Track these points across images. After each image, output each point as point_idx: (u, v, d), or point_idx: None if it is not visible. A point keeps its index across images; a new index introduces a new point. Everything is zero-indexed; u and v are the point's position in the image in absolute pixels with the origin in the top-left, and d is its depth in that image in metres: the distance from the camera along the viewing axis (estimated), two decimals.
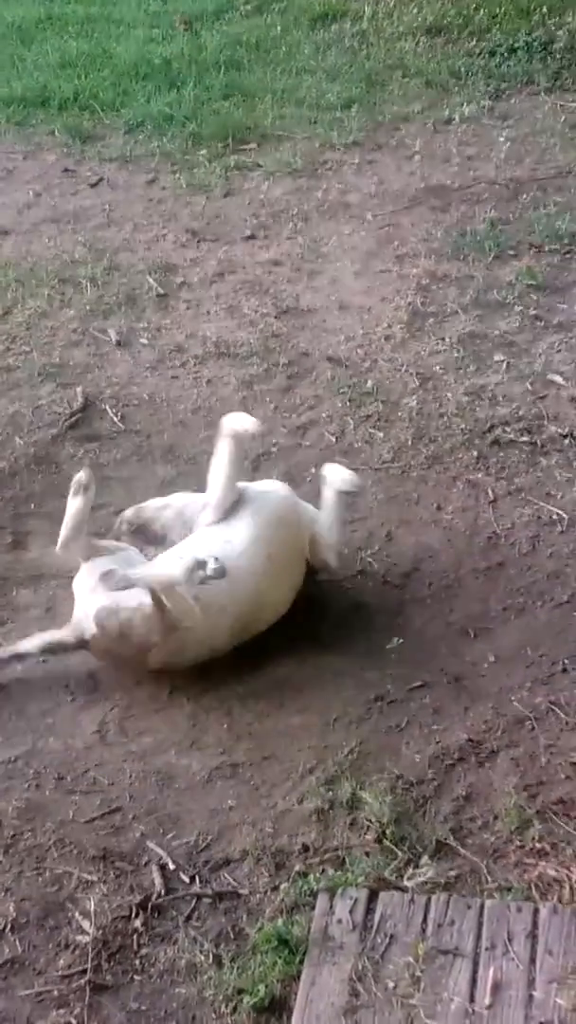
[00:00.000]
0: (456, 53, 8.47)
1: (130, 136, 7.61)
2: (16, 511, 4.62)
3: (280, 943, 3.04)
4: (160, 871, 3.29)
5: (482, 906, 3.08)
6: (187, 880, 3.27)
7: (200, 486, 4.18)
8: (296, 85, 8.09)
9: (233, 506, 4.06)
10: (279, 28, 8.95)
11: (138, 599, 3.79)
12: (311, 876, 3.22)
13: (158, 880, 3.26)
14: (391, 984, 2.92)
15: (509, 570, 4.29)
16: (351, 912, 3.09)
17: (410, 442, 4.91)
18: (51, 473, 4.83)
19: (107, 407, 5.21)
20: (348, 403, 5.15)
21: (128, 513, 4.24)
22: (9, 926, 3.17)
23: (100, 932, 3.13)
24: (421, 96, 7.94)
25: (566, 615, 4.10)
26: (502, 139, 7.27)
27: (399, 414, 5.07)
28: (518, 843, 3.31)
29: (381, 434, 4.97)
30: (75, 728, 3.77)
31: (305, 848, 3.32)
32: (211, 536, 3.99)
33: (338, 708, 3.77)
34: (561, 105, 7.73)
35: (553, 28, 8.62)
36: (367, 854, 3.28)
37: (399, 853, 3.28)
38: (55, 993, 3.02)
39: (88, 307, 5.89)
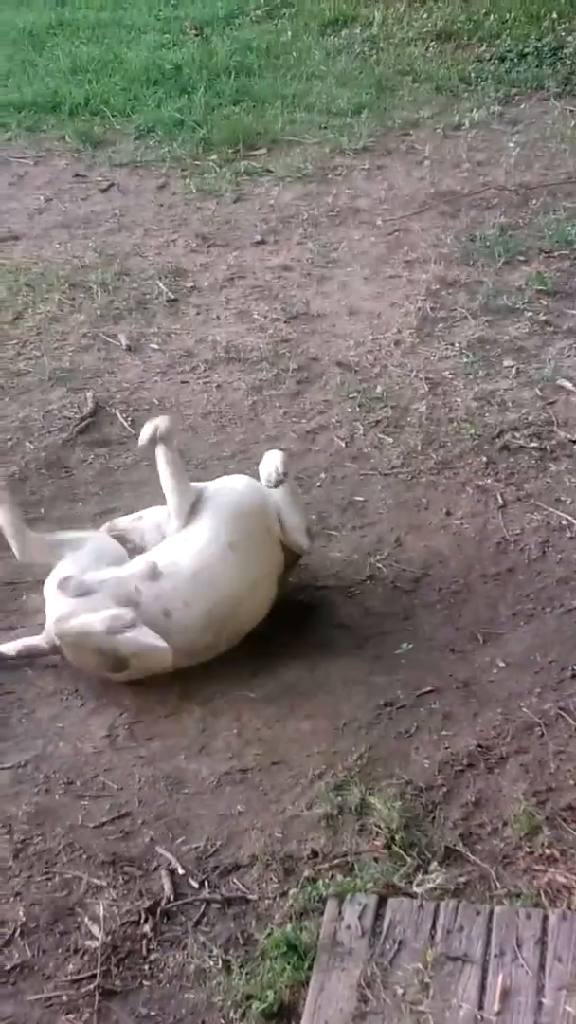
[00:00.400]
0: (466, 58, 8.49)
1: (141, 141, 7.64)
2: (27, 515, 4.59)
3: (289, 949, 3.04)
4: (169, 876, 3.29)
5: (491, 912, 3.07)
6: (196, 885, 3.27)
7: None
8: (306, 90, 8.11)
9: (194, 506, 4.08)
10: (289, 34, 8.98)
11: (96, 606, 3.82)
12: (320, 882, 3.22)
13: (167, 885, 3.26)
14: (400, 990, 2.92)
15: (518, 576, 4.29)
16: (360, 918, 3.08)
17: (419, 447, 4.91)
18: (61, 478, 4.84)
19: (117, 412, 5.22)
20: (358, 408, 5.16)
21: (103, 528, 4.28)
22: (19, 931, 3.17)
23: (109, 937, 3.13)
24: (431, 101, 7.95)
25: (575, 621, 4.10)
26: (512, 144, 7.28)
27: (409, 419, 5.08)
28: (527, 849, 3.30)
29: (391, 439, 4.97)
30: (85, 733, 3.77)
31: (314, 854, 3.32)
32: (171, 541, 4.03)
33: (347, 714, 3.76)
34: (571, 110, 7.74)
35: (563, 34, 8.64)
36: (376, 860, 3.28)
37: (408, 859, 3.27)
38: (64, 998, 3.02)
39: (98, 312, 5.90)
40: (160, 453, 4.10)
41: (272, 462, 4.07)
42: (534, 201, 6.68)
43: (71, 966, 3.10)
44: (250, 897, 3.23)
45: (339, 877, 3.23)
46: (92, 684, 3.93)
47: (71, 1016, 2.99)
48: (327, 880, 3.22)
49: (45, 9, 9.79)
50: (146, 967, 3.09)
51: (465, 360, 5.42)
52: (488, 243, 6.25)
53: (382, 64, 8.46)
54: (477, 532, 4.49)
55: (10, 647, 4.01)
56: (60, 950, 3.14)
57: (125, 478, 4.80)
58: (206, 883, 3.27)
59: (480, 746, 3.62)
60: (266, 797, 3.51)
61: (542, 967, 2.95)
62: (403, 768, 3.56)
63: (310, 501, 4.63)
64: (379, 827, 3.36)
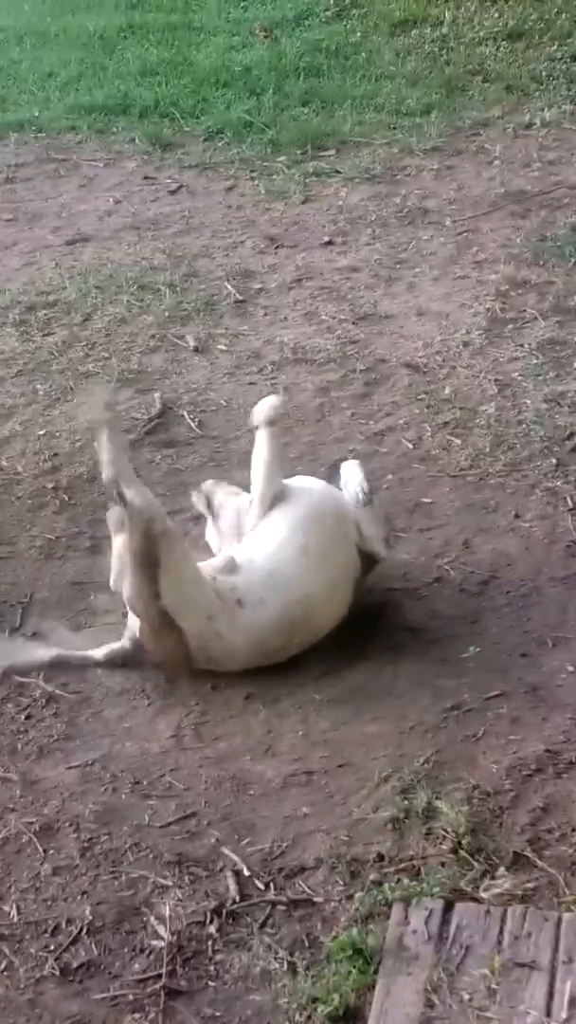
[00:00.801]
0: (537, 57, 8.43)
1: (209, 143, 7.66)
2: (94, 516, 4.65)
3: (355, 952, 3.02)
4: (235, 877, 3.28)
5: (559, 919, 3.04)
6: (262, 887, 3.26)
7: None
8: (375, 91, 8.10)
9: (274, 502, 4.08)
10: (359, 34, 8.96)
11: None
12: (386, 885, 3.20)
13: (233, 886, 3.26)
14: (466, 996, 2.89)
15: None
16: (427, 923, 3.06)
17: (488, 449, 4.88)
18: None
19: (184, 413, 5.23)
20: (426, 410, 5.14)
21: (207, 484, 4.34)
22: (85, 929, 3.18)
23: (175, 937, 3.14)
24: (501, 101, 7.91)
25: None
26: None
27: (477, 421, 5.04)
28: None
29: (459, 441, 4.94)
30: (151, 732, 3.78)
31: (380, 857, 3.30)
32: (250, 539, 4.04)
33: (414, 717, 3.74)
34: None
35: None
36: (443, 864, 3.25)
37: (475, 864, 3.25)
38: (130, 997, 3.03)
39: (167, 313, 5.92)
40: (263, 437, 4.10)
41: (356, 480, 4.12)
42: None
43: (137, 965, 3.10)
44: (316, 899, 3.22)
45: (405, 881, 3.21)
46: (159, 684, 3.94)
47: (137, 1015, 2.99)
48: (393, 884, 3.20)
49: (116, 13, 9.85)
50: (211, 968, 3.09)
51: (535, 361, 5.38)
52: (559, 243, 6.20)
53: (452, 64, 8.42)
54: (546, 535, 4.45)
55: (97, 652, 4.01)
56: (126, 949, 3.14)
57: (192, 479, 4.80)
58: (271, 884, 3.27)
59: (548, 751, 3.58)
60: (332, 799, 3.50)
61: None
62: (470, 772, 3.53)
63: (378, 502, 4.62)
64: (446, 831, 3.34)
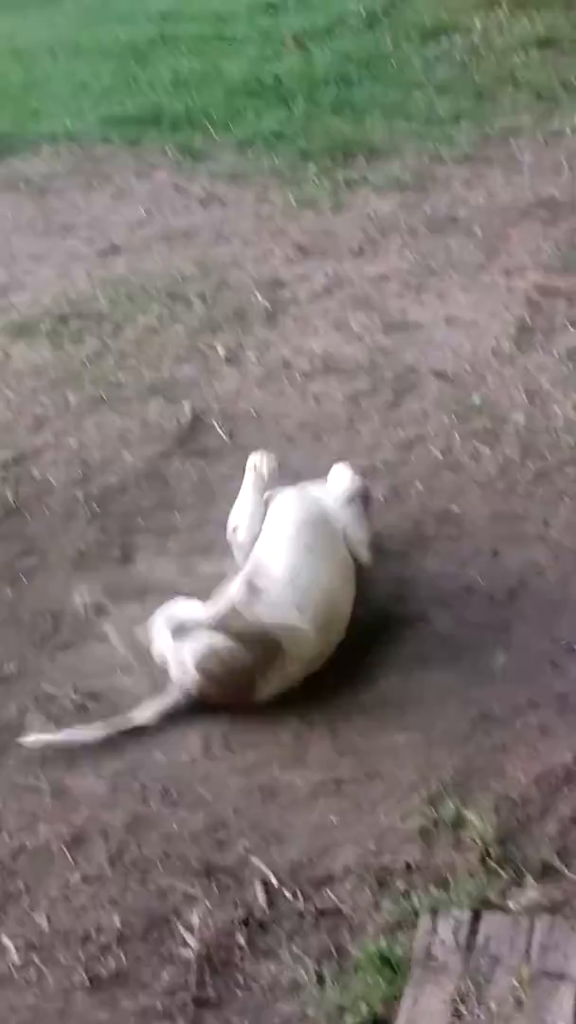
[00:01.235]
0: (568, 65, 8.41)
1: (240, 153, 7.68)
2: (125, 526, 4.68)
3: (382, 962, 3.03)
4: (263, 887, 3.29)
5: None
6: (290, 897, 3.27)
7: None
8: (405, 100, 8.11)
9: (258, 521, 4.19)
10: (389, 44, 8.98)
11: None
12: (414, 895, 3.21)
13: (261, 896, 3.27)
14: (495, 1006, 2.89)
15: None
16: (455, 933, 3.06)
17: (517, 458, 4.87)
18: (160, 488, 4.88)
19: (215, 422, 5.25)
20: (455, 418, 5.14)
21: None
22: (115, 938, 3.19)
23: (204, 947, 3.15)
24: (532, 109, 7.90)
25: None
26: None
27: (506, 429, 5.04)
28: None
29: (488, 449, 4.94)
30: (180, 741, 3.79)
31: (408, 867, 3.31)
32: (252, 560, 4.03)
33: (442, 726, 3.74)
34: None
35: None
36: (471, 874, 3.26)
37: (503, 874, 3.25)
38: (159, 1007, 3.04)
39: (197, 323, 5.95)
40: (250, 477, 4.31)
41: (345, 482, 4.24)
42: None
43: (166, 975, 3.11)
44: (344, 909, 3.22)
45: (433, 891, 3.22)
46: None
47: None
48: (421, 893, 3.21)
49: (148, 24, 9.91)
50: (240, 977, 3.10)
51: (565, 370, 5.37)
52: None
53: (482, 72, 8.43)
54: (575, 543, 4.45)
55: (145, 714, 3.85)
56: (155, 958, 3.16)
57: (222, 489, 4.82)
58: (300, 894, 3.27)
59: None
60: (360, 809, 3.51)
61: None
62: (498, 782, 3.53)
63: (406, 511, 4.62)
64: (474, 841, 3.34)
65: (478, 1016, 2.88)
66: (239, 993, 3.07)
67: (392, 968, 3.01)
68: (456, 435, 5.04)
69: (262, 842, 3.43)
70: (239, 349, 5.75)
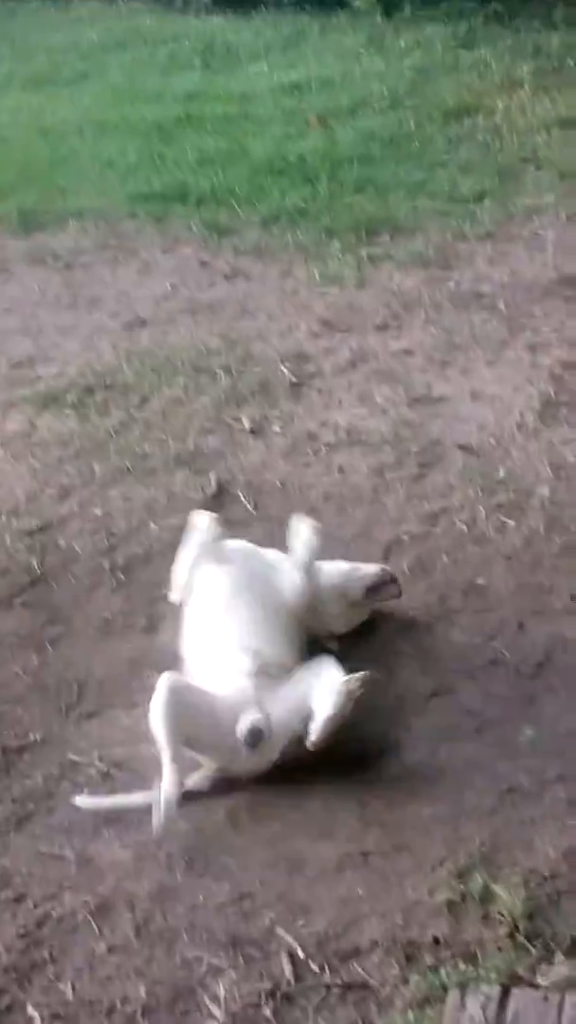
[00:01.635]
0: None
1: (265, 230, 7.77)
2: (151, 596, 4.68)
3: None
4: (289, 959, 3.26)
5: None
6: (316, 969, 3.24)
7: None
8: (429, 178, 8.22)
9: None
10: (412, 123, 9.12)
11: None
12: (442, 969, 3.17)
13: (287, 968, 3.24)
14: None
15: None
16: (483, 1008, 3.02)
17: (542, 531, 4.88)
18: None
19: (240, 493, 5.27)
20: (480, 491, 5.15)
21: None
22: (140, 1009, 3.16)
23: (230, 1018, 3.11)
24: (555, 188, 7.99)
25: None
26: None
27: (531, 503, 5.06)
28: None
29: (513, 523, 4.95)
30: (205, 812, 3.77)
31: (436, 941, 3.27)
32: (231, 650, 4.06)
33: (470, 799, 3.72)
34: None
35: None
36: (499, 949, 3.22)
37: (532, 949, 3.21)
38: None
39: (222, 395, 6.00)
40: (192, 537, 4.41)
41: (303, 536, 4.28)
42: None
43: None
44: (371, 983, 3.19)
45: (461, 965, 3.18)
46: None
47: None
48: (449, 968, 3.17)
49: (174, 104, 10.09)
50: None
51: None
52: None
53: (505, 152, 8.55)
54: None
55: (188, 783, 3.82)
56: None
57: None
58: (326, 967, 3.24)
59: None
60: (387, 882, 3.48)
61: None
62: (527, 856, 3.50)
63: (432, 583, 4.63)
64: (502, 915, 3.31)
65: None
66: None
67: None
68: (481, 508, 5.05)
69: (288, 914, 3.41)
70: (264, 421, 5.79)
